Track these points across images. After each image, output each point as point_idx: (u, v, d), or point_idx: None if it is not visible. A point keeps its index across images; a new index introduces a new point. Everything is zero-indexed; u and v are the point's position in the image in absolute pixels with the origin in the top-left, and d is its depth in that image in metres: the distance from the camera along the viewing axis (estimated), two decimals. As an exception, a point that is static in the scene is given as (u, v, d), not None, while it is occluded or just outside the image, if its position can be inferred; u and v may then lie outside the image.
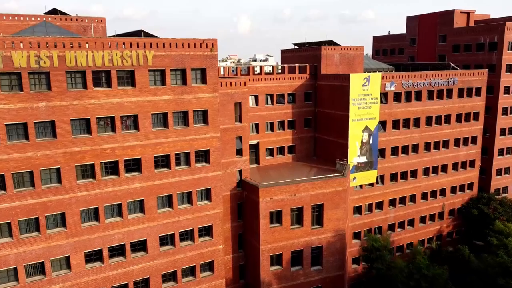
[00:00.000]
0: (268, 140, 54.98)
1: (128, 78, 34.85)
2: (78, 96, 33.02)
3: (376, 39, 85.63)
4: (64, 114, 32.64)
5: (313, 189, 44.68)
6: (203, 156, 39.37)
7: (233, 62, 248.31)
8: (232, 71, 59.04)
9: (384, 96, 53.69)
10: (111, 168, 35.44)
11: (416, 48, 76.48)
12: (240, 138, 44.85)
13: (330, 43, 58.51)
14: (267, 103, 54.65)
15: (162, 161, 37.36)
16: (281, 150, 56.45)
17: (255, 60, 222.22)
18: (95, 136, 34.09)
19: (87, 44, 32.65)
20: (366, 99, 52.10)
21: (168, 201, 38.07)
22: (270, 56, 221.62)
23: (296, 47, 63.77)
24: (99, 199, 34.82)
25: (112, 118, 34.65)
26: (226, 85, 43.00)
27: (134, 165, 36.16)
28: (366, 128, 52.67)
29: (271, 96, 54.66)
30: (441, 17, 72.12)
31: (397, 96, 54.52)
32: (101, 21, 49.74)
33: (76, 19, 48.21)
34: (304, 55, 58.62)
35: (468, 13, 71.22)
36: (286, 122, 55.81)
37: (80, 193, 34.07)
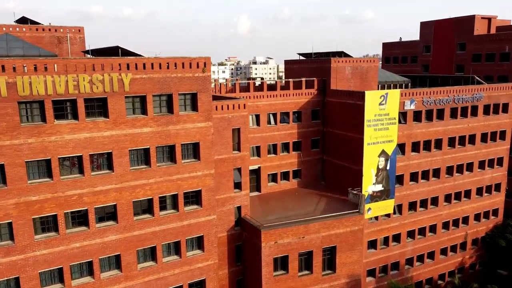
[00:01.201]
0: (270, 165, 47.90)
1: (99, 107, 27.67)
2: (35, 132, 25.85)
3: (387, 46, 78.41)
4: (17, 155, 25.47)
5: (324, 230, 37.57)
6: (194, 197, 32.22)
7: (233, 65, 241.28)
8: (232, 81, 51.96)
9: (402, 115, 46.53)
10: (79, 219, 28.31)
11: (431, 56, 69.28)
12: (239, 170, 37.73)
13: (341, 54, 51.32)
14: (270, 123, 47.52)
15: (143, 207, 30.24)
16: (285, 175, 49.37)
17: (255, 63, 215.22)
18: (58, 180, 26.92)
19: (45, 67, 25.49)
20: (383, 120, 44.96)
21: (151, 254, 30.93)
22: (270, 58, 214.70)
23: (301, 57, 56.64)
24: (63, 258, 27.65)
25: (80, 158, 27.51)
26: (222, 108, 35.86)
27: (108, 213, 29.04)
28: (383, 153, 45.54)
29: (274, 115, 47.52)
30: (459, 23, 64.89)
31: (417, 115, 47.35)
32: (79, 31, 42.59)
33: (49, 29, 41.04)
34: (311, 68, 51.45)
35: (489, 19, 64.00)
36: (291, 143, 48.69)
37: (39, 251, 26.91)
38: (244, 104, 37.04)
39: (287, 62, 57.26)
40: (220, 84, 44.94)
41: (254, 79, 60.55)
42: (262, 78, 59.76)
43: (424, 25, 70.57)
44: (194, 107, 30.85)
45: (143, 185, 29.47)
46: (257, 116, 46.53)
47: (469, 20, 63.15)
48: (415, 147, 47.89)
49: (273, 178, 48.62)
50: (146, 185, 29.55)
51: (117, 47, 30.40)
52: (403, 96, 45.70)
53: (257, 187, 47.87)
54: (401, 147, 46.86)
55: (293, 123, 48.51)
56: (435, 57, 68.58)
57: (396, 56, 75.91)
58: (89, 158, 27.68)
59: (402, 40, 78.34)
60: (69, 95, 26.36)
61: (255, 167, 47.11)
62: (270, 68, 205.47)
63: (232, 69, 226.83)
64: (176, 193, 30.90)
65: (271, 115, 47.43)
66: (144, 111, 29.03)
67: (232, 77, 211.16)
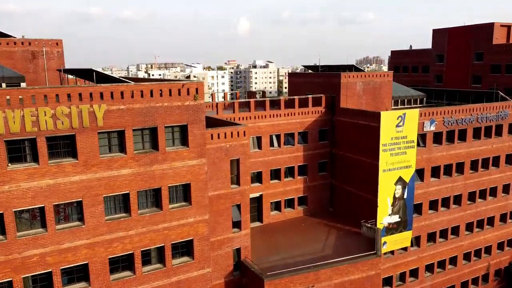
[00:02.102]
0: (273, 192, 42.47)
1: (65, 146, 22.24)
2: (-18, 180, 20.46)
3: (396, 54, 72.94)
4: (-42, 211, 20.09)
5: (337, 277, 32.12)
6: (185, 248, 26.75)
7: (232, 68, 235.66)
8: (230, 95, 46.49)
9: (421, 137, 41.11)
10: (42, 282, 22.87)
11: (445, 66, 63.79)
12: (238, 207, 32.29)
13: (351, 68, 45.90)
14: (273, 145, 42.08)
15: (123, 263, 24.79)
16: (290, 203, 43.95)
17: (255, 66, 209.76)
18: (13, 238, 21.49)
19: (-5, 99, 20.04)
20: (400, 143, 39.53)
21: (132, 318, 25.51)
22: (271, 62, 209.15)
23: (307, 70, 51.26)
24: (21, 332, 22.26)
25: (42, 209, 22.10)
26: (219, 137, 30.40)
27: (78, 274, 23.59)
28: (400, 180, 40.10)
29: (278, 136, 42.08)
30: (476, 31, 59.42)
31: (437, 137, 41.90)
32: (57, 44, 37.12)
33: (22, 43, 35.58)
34: (317, 82, 46.00)
35: (509, 27, 58.56)
36: (296, 167, 43.26)
37: (-10, 327, 21.55)
38: (244, 131, 31.57)
39: (290, 75, 51.79)
40: (217, 103, 39.42)
41: (254, 93, 55.20)
42: (263, 92, 54.42)
43: (437, 33, 65.07)
44: (184, 142, 25.39)
45: (122, 238, 24.00)
46: (259, 139, 41.11)
47: (487, 28, 57.70)
48: (435, 172, 42.46)
49: (277, 206, 43.23)
50: (125, 238, 24.08)
51: (91, 70, 24.96)
52: (422, 116, 40.29)
53: (258, 217, 42.46)
54: (419, 172, 41.42)
55: (298, 145, 43.11)
56: (449, 67, 63.10)
57: (406, 65, 70.41)
58: (54, 209, 22.24)
59: (412, 48, 72.90)
60: (26, 134, 20.92)
61: (256, 195, 41.70)
62: (271, 72, 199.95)
63: (231, 72, 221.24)
64: (163, 244, 25.44)
65: (274, 137, 42.01)
66: (122, 149, 23.58)
67: (231, 82, 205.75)
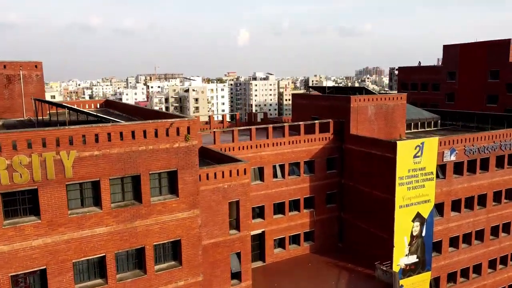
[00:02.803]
0: (277, 228, 38.09)
1: (25, 203, 18.00)
2: None
3: (404, 71, 69.00)
4: None
5: (352, 337, 27.74)
6: (174, 316, 22.37)
7: (232, 80, 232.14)
8: (230, 116, 42.28)
9: (441, 168, 36.88)
10: None
11: (457, 84, 59.77)
12: (238, 255, 27.92)
13: (362, 90, 41.82)
14: (276, 176, 37.80)
15: None
16: (295, 239, 39.55)
17: (255, 78, 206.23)
18: (-43, 321, 17.18)
19: None
20: (418, 176, 35.29)
21: None
22: (271, 74, 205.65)
23: (313, 91, 47.16)
24: None
25: (-6, 282, 17.78)
26: (216, 176, 26.12)
27: None
28: (418, 216, 35.79)
29: (282, 166, 37.83)
30: (490, 47, 55.46)
31: (457, 167, 37.69)
32: (36, 66, 33.02)
33: (-4, 66, 31.47)
34: (324, 106, 41.83)
35: (526, 43, 54.59)
36: (301, 200, 38.94)
37: None
38: (245, 169, 27.29)
39: (295, 97, 47.62)
40: (215, 131, 35.09)
41: (255, 114, 51.08)
42: (265, 115, 50.37)
43: (448, 49, 61.15)
44: (173, 190, 21.10)
45: (97, 311, 19.63)
46: (260, 170, 36.84)
47: (504, 45, 53.74)
48: (455, 205, 38.13)
49: (281, 243, 38.82)
50: (100, 310, 19.71)
51: (63, 105, 20.76)
52: (441, 145, 36.10)
53: (260, 256, 38.03)
54: (439, 207, 37.12)
55: (304, 175, 38.83)
56: (461, 86, 59.03)
57: (415, 82, 66.37)
58: (11, 281, 17.89)
59: (421, 64, 69.02)
60: (-27, 191, 16.68)
61: (259, 231, 37.36)
62: (271, 84, 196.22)
63: (231, 84, 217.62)
64: (147, 314, 21.04)
65: (277, 167, 37.75)
66: (97, 203, 19.29)
67: (231, 94, 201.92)
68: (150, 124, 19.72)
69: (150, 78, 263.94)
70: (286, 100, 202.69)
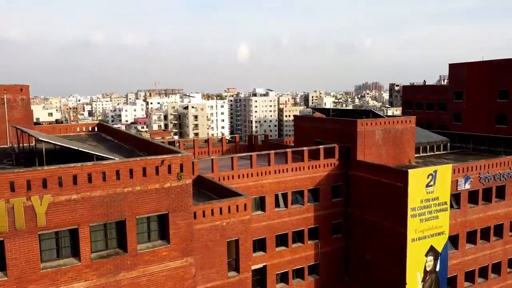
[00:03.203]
0: (279, 262, 35.31)
1: (-11, 257, 15.45)
2: None
3: (408, 90, 66.89)
4: None
5: None
6: None
7: (232, 96, 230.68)
8: (230, 137, 39.87)
9: (455, 198, 34.34)
10: None
11: (464, 104, 57.50)
12: (238, 300, 25.18)
13: (368, 113, 39.50)
14: (278, 206, 35.23)
15: None
16: (299, 273, 36.69)
17: (255, 95, 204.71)
18: None
19: None
20: (431, 206, 32.71)
21: None
22: (271, 90, 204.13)
23: (316, 112, 44.88)
24: None
25: None
26: (213, 213, 23.54)
27: None
28: (432, 250, 33.07)
29: (285, 195, 35.27)
30: (499, 67, 53.26)
31: (472, 196, 35.15)
32: (21, 90, 30.70)
33: (-23, 90, 29.13)
34: (329, 129, 39.45)
35: (536, 62, 52.49)
36: (306, 231, 36.26)
37: None
38: (245, 204, 24.73)
39: (297, 119, 45.25)
40: (213, 159, 32.53)
41: (256, 137, 48.65)
42: (266, 137, 47.96)
43: (454, 68, 58.99)
44: (164, 236, 18.52)
45: None
46: (262, 199, 34.27)
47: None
48: (471, 237, 35.45)
49: (283, 277, 36.00)
50: None
51: (39, 139, 18.30)
52: (455, 173, 33.60)
53: (262, 292, 35.22)
54: (453, 239, 34.47)
55: (308, 204, 36.23)
56: (469, 106, 56.71)
57: (420, 102, 64.12)
58: None
59: (426, 82, 66.94)
60: None
61: (260, 266, 34.59)
62: (271, 101, 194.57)
63: (231, 101, 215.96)
64: None
65: (280, 196, 35.19)
66: (75, 253, 16.70)
67: (231, 111, 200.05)
68: (137, 162, 17.24)
69: (150, 94, 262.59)
70: (286, 116, 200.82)
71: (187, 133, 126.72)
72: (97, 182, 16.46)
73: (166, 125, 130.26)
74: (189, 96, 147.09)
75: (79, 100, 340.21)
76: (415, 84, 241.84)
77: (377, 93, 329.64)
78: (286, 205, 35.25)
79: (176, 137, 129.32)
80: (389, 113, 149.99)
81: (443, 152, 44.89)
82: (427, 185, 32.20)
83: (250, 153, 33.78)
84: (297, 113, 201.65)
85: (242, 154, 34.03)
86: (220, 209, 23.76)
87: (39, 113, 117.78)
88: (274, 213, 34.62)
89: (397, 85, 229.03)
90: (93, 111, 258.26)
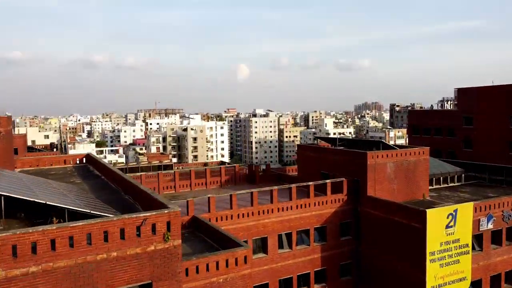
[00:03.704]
0: (283, 309, 31.73)
1: None
2: None
3: (415, 114, 64.07)
4: None
5: None
6: None
7: (232, 116, 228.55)
8: (228, 163, 36.64)
9: (476, 239, 30.98)
10: None
11: (474, 130, 54.57)
12: None
13: (379, 144, 36.44)
14: (282, 247, 31.83)
15: None
16: (304, 321, 33.11)
17: (255, 115, 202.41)
18: None
19: None
20: (451, 249, 29.32)
21: None
22: (271, 111, 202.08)
23: (321, 141, 41.86)
24: None
25: None
26: (208, 268, 20.16)
27: None
28: (453, 298, 29.58)
29: (289, 235, 31.91)
30: (511, 92, 50.64)
31: (495, 236, 31.79)
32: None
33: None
34: (336, 161, 36.34)
35: (550, 87, 49.80)
36: (312, 274, 32.73)
37: None
38: (245, 257, 21.38)
39: (301, 148, 42.12)
40: (209, 197, 29.25)
41: (257, 167, 45.38)
42: (268, 167, 44.70)
43: (463, 93, 56.35)
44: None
45: None
46: (263, 240, 30.91)
47: (526, 89, 48.90)
48: (495, 282, 31.92)
49: (287, 327, 32.33)
50: None
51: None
52: (477, 211, 30.32)
53: None
54: (475, 285, 30.93)
55: (315, 244, 32.85)
56: (480, 132, 53.73)
57: (427, 127, 61.19)
58: None
59: (433, 107, 64.13)
60: None
61: (261, 315, 30.97)
62: (271, 121, 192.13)
63: (231, 121, 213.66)
64: None
65: (283, 236, 31.83)
66: None
67: (231, 131, 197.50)
68: (113, 222, 14.04)
69: (150, 115, 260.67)
70: (286, 137, 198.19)
71: (186, 155, 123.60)
72: (62, 249, 13.23)
73: (164, 147, 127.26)
74: (188, 117, 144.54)
75: (79, 120, 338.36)
76: (415, 105, 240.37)
77: (377, 113, 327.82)
78: (290, 246, 31.87)
79: (174, 160, 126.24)
80: (391, 134, 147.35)
81: (458, 183, 41.66)
82: (447, 226, 28.91)
83: (251, 190, 30.51)
84: (298, 134, 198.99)
85: (241, 192, 30.65)
86: (217, 263, 20.41)
87: (35, 135, 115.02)
88: (277, 256, 31.20)
89: (397, 106, 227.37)
90: (92, 131, 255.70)
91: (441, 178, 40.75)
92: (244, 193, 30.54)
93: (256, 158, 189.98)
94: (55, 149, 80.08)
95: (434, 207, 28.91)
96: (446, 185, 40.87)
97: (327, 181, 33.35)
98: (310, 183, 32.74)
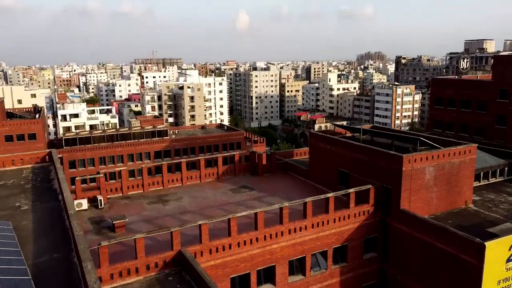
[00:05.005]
0: None
1: None
2: None
3: (438, 83, 55.64)
4: None
5: None
6: None
7: (231, 69, 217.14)
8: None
9: (539, 269, 24.33)
10: None
11: (511, 105, 46.66)
12: None
13: (415, 141, 28.76)
14: (293, 273, 25.35)
15: None
16: None
17: (255, 68, 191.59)
18: None
19: None
20: (510, 287, 22.87)
21: None
22: (271, 64, 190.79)
23: (337, 128, 34.18)
24: None
25: None
26: None
27: None
28: None
29: (302, 260, 25.31)
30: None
31: (560, 263, 25.15)
32: None
33: None
34: (360, 160, 28.93)
35: None
36: (329, 302, 26.59)
37: None
38: None
39: (314, 137, 34.35)
40: (201, 224, 22.29)
41: (260, 156, 37.78)
42: (274, 155, 37.18)
43: (499, 61, 47.90)
44: None
45: None
46: (271, 270, 24.30)
47: None
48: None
49: None
50: None
51: None
52: (543, 237, 23.40)
53: None
54: (533, 323, 24.72)
55: (333, 267, 26.35)
56: (518, 108, 45.96)
57: (452, 98, 53.13)
58: None
59: (462, 77, 55.65)
60: None
61: None
62: (272, 75, 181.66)
63: (230, 74, 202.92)
64: None
65: (295, 262, 25.22)
66: None
67: (230, 86, 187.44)
68: None
69: (145, 67, 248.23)
70: (288, 92, 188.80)
71: (182, 115, 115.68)
72: None
73: (160, 106, 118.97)
74: (185, 74, 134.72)
75: (74, 71, 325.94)
76: (422, 57, 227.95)
77: (380, 64, 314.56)
78: (303, 273, 25.39)
79: (171, 120, 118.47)
80: (399, 91, 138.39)
81: (500, 178, 34.56)
82: (508, 260, 22.18)
83: (255, 210, 23.32)
84: (300, 88, 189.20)
85: (242, 214, 23.34)
86: None
87: (22, 94, 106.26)
88: (287, 286, 24.75)
89: (403, 58, 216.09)
90: (88, 84, 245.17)
91: (481, 173, 33.57)
92: (247, 214, 23.32)
93: (257, 114, 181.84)
94: (37, 115, 72.07)
95: (494, 239, 21.93)
96: (486, 182, 33.82)
97: (350, 190, 26.21)
98: (329, 194, 25.59)
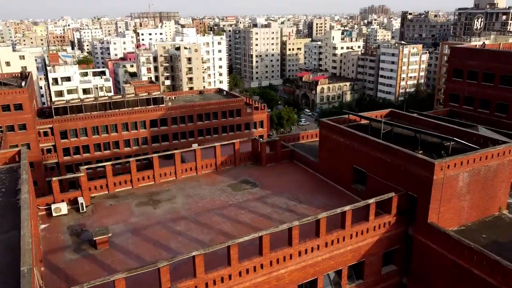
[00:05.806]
0: None
1: None
2: None
3: (458, 53, 50.17)
4: None
5: None
6: None
7: (230, 26, 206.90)
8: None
9: None
10: None
11: (541, 80, 41.72)
12: None
13: (448, 140, 24.32)
14: (304, 296, 21.89)
15: None
16: None
17: (255, 25, 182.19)
18: None
19: None
20: (557, 322, 19.37)
21: None
22: (273, 20, 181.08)
23: (349, 116, 29.59)
24: None
25: None
26: None
27: None
28: None
29: (313, 282, 21.77)
30: None
31: None
32: None
33: None
34: (380, 160, 24.71)
35: None
36: (342, 323, 23.36)
37: None
38: None
39: (325, 126, 29.68)
40: (194, 257, 18.43)
41: (262, 145, 33.40)
42: (279, 142, 32.68)
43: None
44: None
45: None
46: (278, 297, 20.77)
47: None
48: None
49: None
50: None
51: None
52: None
53: None
54: None
55: (348, 286, 22.90)
56: (549, 84, 41.10)
57: (473, 70, 47.94)
58: None
59: (485, 44, 50.17)
60: None
61: None
62: (273, 32, 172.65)
63: (229, 31, 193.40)
64: None
65: (305, 285, 21.68)
66: None
67: (230, 44, 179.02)
68: None
69: (141, 23, 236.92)
70: (289, 50, 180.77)
71: (180, 77, 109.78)
72: None
73: (156, 68, 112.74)
74: (182, 33, 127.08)
75: (68, 25, 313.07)
76: (429, 13, 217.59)
77: (385, 19, 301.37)
78: (316, 296, 21.89)
79: (167, 82, 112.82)
80: (405, 51, 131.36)
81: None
82: (559, 294, 18.53)
83: (259, 234, 19.36)
84: (302, 46, 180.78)
85: (244, 239, 19.30)
86: None
87: (10, 56, 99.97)
88: (297, 313, 21.37)
89: (409, 14, 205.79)
90: (82, 40, 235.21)
91: None
92: (251, 238, 19.33)
93: (257, 73, 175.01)
94: (23, 83, 66.77)
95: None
96: None
97: (370, 201, 22.18)
98: (346, 208, 21.54)
